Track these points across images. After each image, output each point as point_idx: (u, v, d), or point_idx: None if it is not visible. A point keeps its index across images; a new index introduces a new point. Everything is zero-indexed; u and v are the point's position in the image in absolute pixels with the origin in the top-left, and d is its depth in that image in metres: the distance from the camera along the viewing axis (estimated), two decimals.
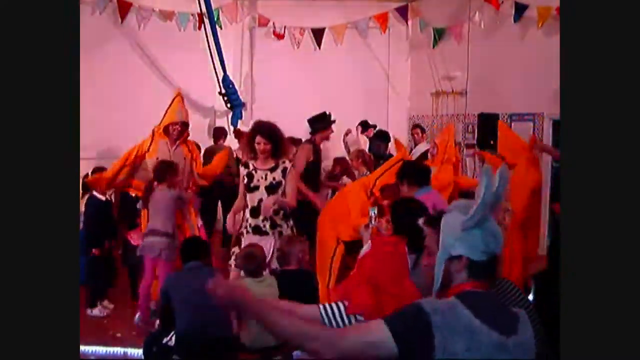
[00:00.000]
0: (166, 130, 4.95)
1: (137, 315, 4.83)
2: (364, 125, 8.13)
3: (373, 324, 1.59)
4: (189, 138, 5.39)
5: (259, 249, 3.78)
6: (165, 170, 4.70)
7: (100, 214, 5.15)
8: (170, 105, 5.05)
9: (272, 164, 4.15)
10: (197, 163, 5.48)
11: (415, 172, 4.18)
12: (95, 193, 5.18)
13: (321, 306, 2.13)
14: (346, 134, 8.14)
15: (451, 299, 1.61)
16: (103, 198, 5.25)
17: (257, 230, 4.12)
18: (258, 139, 4.11)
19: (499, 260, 1.74)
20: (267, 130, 4.14)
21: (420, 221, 1.94)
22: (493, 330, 1.54)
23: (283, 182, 4.14)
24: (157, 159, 4.87)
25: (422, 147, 6.70)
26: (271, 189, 4.11)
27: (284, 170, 4.15)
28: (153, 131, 5.01)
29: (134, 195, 5.41)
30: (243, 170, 4.22)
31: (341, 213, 4.42)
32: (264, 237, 4.10)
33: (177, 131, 4.94)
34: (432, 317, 1.52)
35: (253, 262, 3.63)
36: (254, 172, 4.16)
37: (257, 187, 4.13)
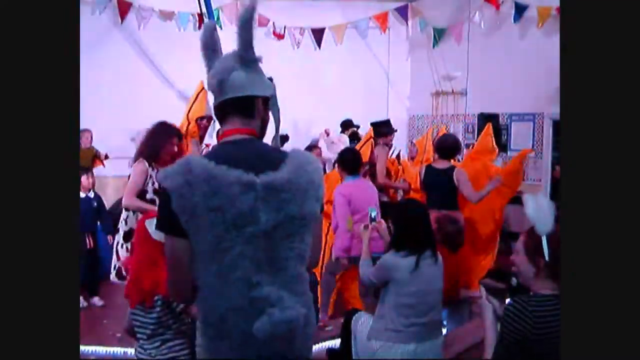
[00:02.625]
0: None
1: None
2: (345, 125, 8.07)
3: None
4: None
5: None
6: None
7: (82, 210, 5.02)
8: (195, 98, 4.66)
9: None
10: None
11: (349, 159, 4.47)
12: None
13: None
14: (323, 136, 8.16)
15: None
16: (83, 195, 5.23)
17: None
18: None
19: (245, 105, 1.69)
20: None
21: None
22: (236, 170, 1.56)
23: None
24: None
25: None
26: None
27: None
28: (186, 131, 4.55)
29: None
30: None
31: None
32: None
33: (204, 127, 4.59)
34: (164, 184, 1.57)
35: None
36: None
37: None
